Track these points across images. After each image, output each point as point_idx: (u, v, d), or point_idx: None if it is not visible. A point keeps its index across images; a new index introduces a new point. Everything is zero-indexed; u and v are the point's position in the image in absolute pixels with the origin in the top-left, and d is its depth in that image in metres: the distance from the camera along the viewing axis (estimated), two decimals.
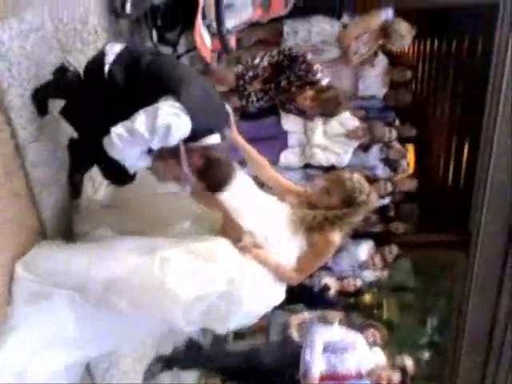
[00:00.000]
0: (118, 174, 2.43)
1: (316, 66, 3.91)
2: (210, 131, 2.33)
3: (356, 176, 2.49)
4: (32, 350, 2.25)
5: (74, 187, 2.71)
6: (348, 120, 4.67)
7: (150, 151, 2.34)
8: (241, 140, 2.66)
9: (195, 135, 2.27)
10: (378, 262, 5.25)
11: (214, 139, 2.34)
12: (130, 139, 2.19)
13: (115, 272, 2.28)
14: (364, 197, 2.43)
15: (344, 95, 4.10)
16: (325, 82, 3.95)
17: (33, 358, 2.25)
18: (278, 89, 3.92)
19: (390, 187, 5.08)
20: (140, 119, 2.18)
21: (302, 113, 4.18)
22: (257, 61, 3.99)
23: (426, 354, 9.76)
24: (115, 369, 3.24)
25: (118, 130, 2.19)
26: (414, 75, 6.84)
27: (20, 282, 2.32)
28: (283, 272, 2.44)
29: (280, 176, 2.75)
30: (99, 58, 2.31)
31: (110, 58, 2.27)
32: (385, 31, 4.57)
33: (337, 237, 2.45)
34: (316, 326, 4.20)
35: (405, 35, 4.50)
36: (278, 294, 2.48)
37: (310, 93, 3.89)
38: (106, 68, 2.26)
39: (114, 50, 2.31)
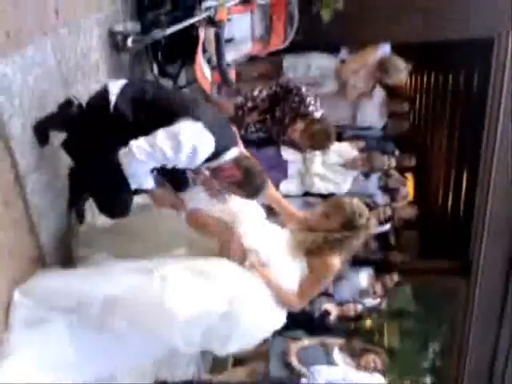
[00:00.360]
0: (113, 206, 2.48)
1: (309, 99, 3.99)
2: (228, 146, 2.43)
3: (355, 200, 2.55)
4: (29, 374, 2.26)
5: (78, 214, 2.77)
6: (347, 150, 4.74)
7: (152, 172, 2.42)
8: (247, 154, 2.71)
9: (217, 152, 2.37)
10: (378, 289, 5.26)
11: (233, 153, 2.44)
12: (149, 153, 2.26)
13: (114, 292, 2.30)
14: (363, 220, 2.48)
15: (334, 129, 4.15)
16: (318, 114, 4.03)
17: (32, 382, 2.26)
18: (273, 120, 4.00)
19: (389, 211, 5.13)
20: (161, 136, 2.26)
21: (294, 145, 4.25)
22: (256, 93, 4.10)
23: (428, 380, 9.66)
24: None
25: (139, 143, 2.26)
26: (412, 106, 6.97)
27: (17, 308, 2.33)
28: (286, 295, 2.45)
29: (282, 198, 2.80)
30: (102, 94, 2.39)
31: (113, 93, 2.35)
32: (382, 66, 4.68)
33: (336, 260, 2.49)
34: (319, 365, 4.23)
35: (401, 70, 4.61)
36: (279, 317, 2.49)
37: (299, 125, 3.98)
38: (112, 102, 2.33)
39: (117, 85, 2.40)
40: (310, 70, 5.15)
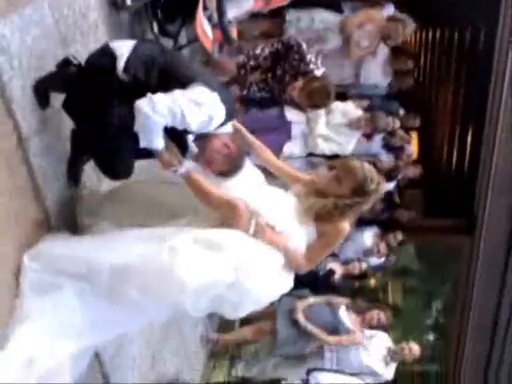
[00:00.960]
0: (116, 166, 2.45)
1: (309, 56, 3.91)
2: (229, 120, 2.45)
3: (366, 165, 2.50)
4: (41, 339, 2.29)
5: (72, 177, 2.72)
6: (351, 110, 4.68)
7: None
8: (242, 129, 2.69)
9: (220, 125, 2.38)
10: (382, 248, 5.28)
11: (228, 128, 2.46)
12: (170, 109, 2.22)
13: (121, 260, 2.30)
14: (374, 186, 2.43)
15: (333, 87, 4.07)
16: (319, 72, 3.95)
17: (42, 347, 2.29)
18: (274, 78, 3.93)
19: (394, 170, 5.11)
20: (181, 96, 2.23)
21: (296, 104, 4.18)
22: (258, 51, 4.01)
23: (432, 336, 9.84)
24: (123, 356, 3.29)
25: (160, 97, 2.22)
26: (417, 64, 6.85)
27: (27, 273, 2.34)
28: (294, 257, 2.43)
29: (284, 164, 2.77)
30: (107, 53, 2.33)
31: (123, 54, 2.30)
32: (387, 26, 4.58)
33: (347, 225, 2.47)
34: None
35: (406, 28, 4.51)
36: (286, 282, 2.49)
37: (298, 83, 3.90)
38: (122, 63, 2.28)
39: (126, 46, 2.34)
40: (314, 23, 5.04)
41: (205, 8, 3.36)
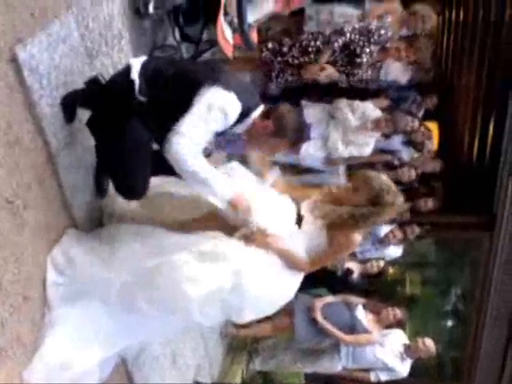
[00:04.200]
0: (129, 187, 2.53)
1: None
2: (256, 106, 2.49)
3: (383, 176, 2.54)
4: (70, 347, 2.40)
5: (99, 188, 2.81)
6: (371, 111, 4.66)
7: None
8: None
9: (247, 111, 2.42)
10: (397, 234, 5.22)
11: (259, 110, 2.51)
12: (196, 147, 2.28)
13: (128, 278, 2.41)
14: (390, 197, 2.47)
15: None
16: None
17: (71, 355, 2.40)
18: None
19: (413, 174, 5.09)
20: (193, 124, 2.28)
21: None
22: (285, 49, 4.08)
23: (450, 323, 9.87)
24: (145, 355, 3.39)
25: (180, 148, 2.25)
26: (438, 49, 6.72)
27: (53, 286, 2.44)
28: (296, 260, 2.49)
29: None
30: (127, 74, 2.37)
31: (135, 78, 2.34)
32: (407, 20, 4.52)
33: (358, 237, 2.51)
34: None
35: (426, 23, 4.45)
36: (292, 282, 2.55)
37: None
38: (137, 88, 2.33)
39: (139, 62, 2.39)
40: (333, 17, 5.01)
41: (225, 13, 3.37)
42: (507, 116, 5.48)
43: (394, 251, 5.42)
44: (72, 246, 2.52)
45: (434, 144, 5.87)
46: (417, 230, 5.33)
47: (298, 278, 2.57)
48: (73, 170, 2.60)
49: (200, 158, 2.31)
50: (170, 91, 2.35)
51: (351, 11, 5.07)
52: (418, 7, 4.70)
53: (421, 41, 4.44)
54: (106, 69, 2.85)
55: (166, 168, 2.40)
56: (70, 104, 2.52)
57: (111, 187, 2.77)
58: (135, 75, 2.33)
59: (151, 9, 3.13)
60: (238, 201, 2.42)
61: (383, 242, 5.26)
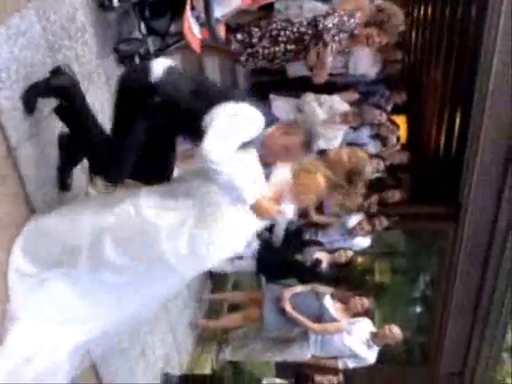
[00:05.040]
0: (119, 173, 2.56)
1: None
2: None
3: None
4: (36, 339, 2.39)
5: (62, 182, 2.80)
6: (338, 104, 4.71)
7: None
8: None
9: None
10: (365, 226, 5.33)
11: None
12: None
13: (99, 224, 2.43)
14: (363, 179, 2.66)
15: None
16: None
17: (38, 347, 2.38)
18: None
19: (382, 165, 5.18)
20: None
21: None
22: (255, 40, 4.06)
23: (418, 309, 10.08)
24: (113, 349, 3.38)
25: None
26: (406, 44, 6.82)
27: (17, 275, 2.43)
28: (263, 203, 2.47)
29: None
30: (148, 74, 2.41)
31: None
32: (376, 15, 4.56)
33: (322, 180, 2.59)
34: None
35: (392, 21, 4.50)
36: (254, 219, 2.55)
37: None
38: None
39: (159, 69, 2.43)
40: (303, 11, 5.03)
41: (192, 7, 3.36)
42: (472, 109, 5.61)
43: (363, 241, 5.53)
44: (39, 224, 2.53)
45: (399, 137, 5.97)
46: (385, 222, 5.43)
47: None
48: (34, 164, 2.59)
49: (231, 166, 2.32)
50: (191, 101, 2.41)
51: (320, 6, 5.09)
52: (385, 5, 4.76)
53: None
54: (70, 61, 2.83)
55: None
56: (32, 96, 2.51)
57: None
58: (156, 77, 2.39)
59: (116, 2, 3.10)
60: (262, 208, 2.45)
61: (351, 232, 5.36)
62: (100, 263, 2.42)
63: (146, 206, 2.42)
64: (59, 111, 2.60)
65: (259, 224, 2.59)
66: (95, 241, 2.41)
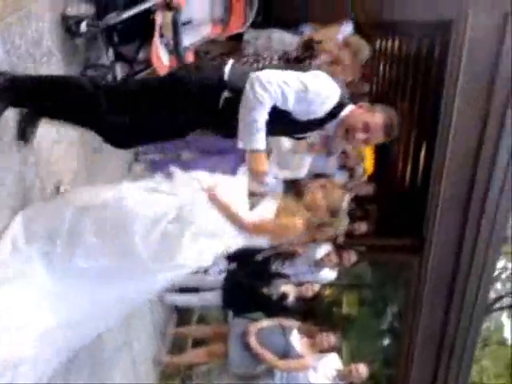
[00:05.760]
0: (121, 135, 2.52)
1: None
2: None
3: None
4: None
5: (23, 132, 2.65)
6: None
7: None
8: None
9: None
10: (333, 257, 5.29)
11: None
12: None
13: (81, 204, 2.41)
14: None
15: None
16: None
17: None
18: None
19: (348, 197, 5.18)
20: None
21: None
22: None
23: (386, 341, 10.10)
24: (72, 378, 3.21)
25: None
26: (373, 77, 6.95)
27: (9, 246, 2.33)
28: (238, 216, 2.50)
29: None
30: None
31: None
32: (347, 46, 4.65)
33: (300, 225, 2.58)
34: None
35: (360, 54, 4.59)
36: (232, 232, 2.53)
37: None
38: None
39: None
40: (272, 42, 5.07)
41: (161, 35, 3.34)
42: (436, 143, 5.73)
43: (329, 274, 5.47)
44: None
45: (365, 168, 6.02)
46: (354, 257, 5.38)
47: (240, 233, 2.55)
48: None
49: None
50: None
51: (289, 37, 5.15)
52: (352, 39, 4.86)
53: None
54: None
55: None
56: None
57: None
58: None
59: (83, 27, 3.04)
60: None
61: (319, 264, 5.31)
62: (77, 244, 2.35)
63: (129, 194, 2.42)
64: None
65: (233, 233, 2.54)
66: (75, 221, 2.36)
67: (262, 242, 2.69)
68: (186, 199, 2.46)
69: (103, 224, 2.37)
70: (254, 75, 2.32)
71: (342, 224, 2.76)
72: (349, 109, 2.50)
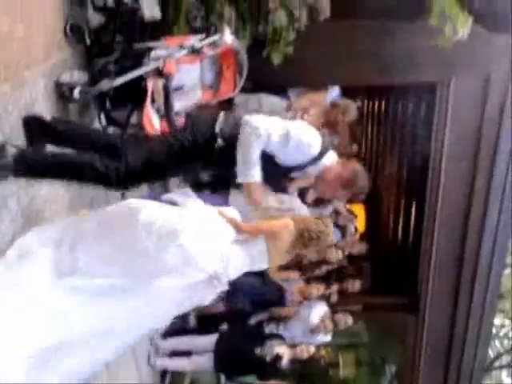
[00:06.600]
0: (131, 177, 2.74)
1: None
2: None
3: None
4: None
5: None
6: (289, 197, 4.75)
7: None
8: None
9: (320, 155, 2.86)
10: (328, 324, 5.24)
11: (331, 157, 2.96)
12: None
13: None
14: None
15: None
16: None
17: None
18: None
19: (340, 255, 5.19)
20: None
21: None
22: None
23: None
24: None
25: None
26: (361, 137, 7.10)
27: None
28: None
29: None
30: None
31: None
32: (328, 112, 4.78)
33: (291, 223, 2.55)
34: None
35: (347, 114, 4.72)
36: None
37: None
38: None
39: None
40: (262, 106, 5.22)
41: (153, 100, 3.43)
42: (425, 201, 5.79)
43: (325, 337, 5.40)
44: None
45: (357, 227, 6.05)
46: (349, 320, 5.34)
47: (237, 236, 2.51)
48: None
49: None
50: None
51: (278, 102, 5.31)
52: (340, 101, 5.02)
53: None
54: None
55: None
56: None
57: None
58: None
59: (77, 94, 3.13)
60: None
61: (314, 331, 5.24)
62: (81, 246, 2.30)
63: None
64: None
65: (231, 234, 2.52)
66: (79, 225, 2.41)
67: (261, 259, 2.56)
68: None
69: (106, 220, 2.43)
70: (245, 118, 2.69)
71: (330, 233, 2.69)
72: (329, 157, 2.79)
